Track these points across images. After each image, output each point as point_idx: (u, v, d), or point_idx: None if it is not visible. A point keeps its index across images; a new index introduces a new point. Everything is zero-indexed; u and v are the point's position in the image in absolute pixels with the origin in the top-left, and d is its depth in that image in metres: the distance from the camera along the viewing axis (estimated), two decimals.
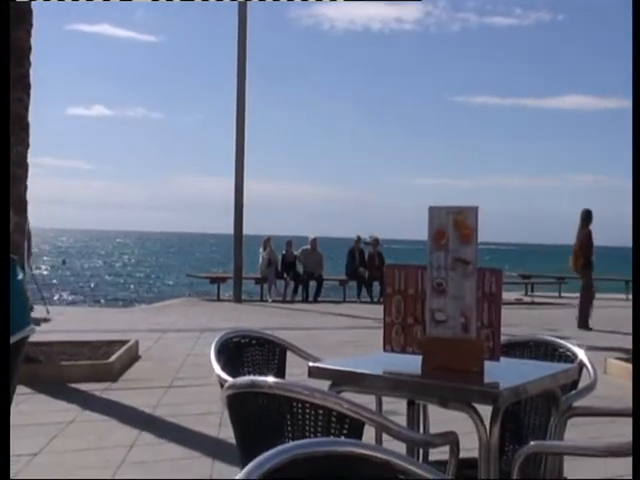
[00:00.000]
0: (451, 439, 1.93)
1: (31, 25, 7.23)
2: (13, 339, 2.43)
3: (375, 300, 16.36)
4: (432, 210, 2.41)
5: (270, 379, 1.90)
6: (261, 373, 2.73)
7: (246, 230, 15.93)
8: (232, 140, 15.77)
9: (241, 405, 1.97)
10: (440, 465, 2.29)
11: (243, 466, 1.05)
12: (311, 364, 2.38)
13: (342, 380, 2.27)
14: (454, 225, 2.37)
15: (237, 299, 15.41)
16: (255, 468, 1.01)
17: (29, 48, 7.19)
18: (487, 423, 2.12)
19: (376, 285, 16.75)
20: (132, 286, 33.48)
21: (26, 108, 7.10)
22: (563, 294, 19.46)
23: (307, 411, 1.82)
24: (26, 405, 5.41)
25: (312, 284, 16.65)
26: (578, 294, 12.24)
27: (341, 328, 11.36)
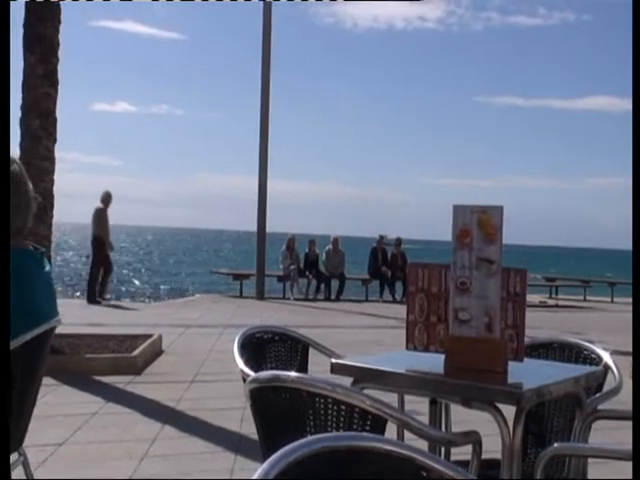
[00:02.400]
0: (474, 438, 1.92)
1: (59, 22, 7.32)
2: (41, 329, 2.46)
3: (398, 300, 16.34)
4: (457, 209, 2.40)
5: (293, 374, 1.91)
6: (283, 369, 2.73)
7: (269, 228, 15.97)
8: (255, 137, 15.84)
9: (264, 399, 1.98)
10: (462, 465, 2.28)
11: (265, 460, 1.06)
12: (334, 360, 2.39)
13: (364, 377, 2.27)
14: (478, 224, 2.35)
15: (260, 296, 15.45)
16: (279, 459, 1.02)
17: (57, 44, 7.28)
18: (510, 424, 2.11)
19: (399, 285, 16.73)
20: (140, 281, 33.21)
21: (54, 103, 7.19)
22: (588, 297, 19.26)
23: (330, 407, 1.82)
24: (51, 396, 5.48)
25: (334, 282, 16.65)
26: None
27: (363, 327, 11.34)
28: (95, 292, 13.06)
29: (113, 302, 13.75)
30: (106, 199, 13.11)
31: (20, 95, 7.09)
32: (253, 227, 16.07)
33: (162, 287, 30.69)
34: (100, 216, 12.99)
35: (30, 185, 2.54)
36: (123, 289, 28.35)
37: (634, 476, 1.50)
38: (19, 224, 2.50)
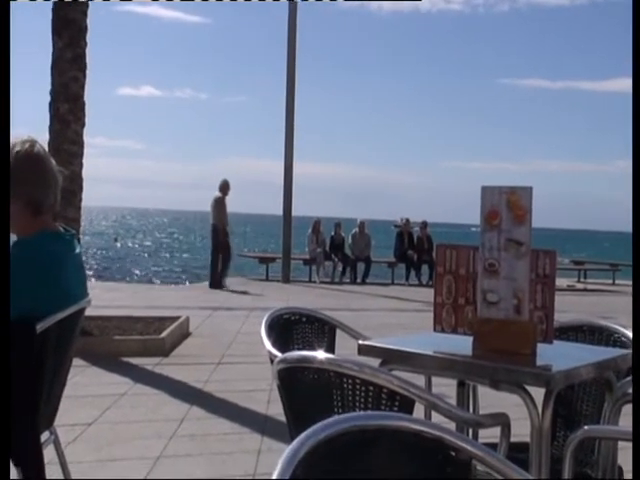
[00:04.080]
0: (502, 420, 1.91)
1: (87, 6, 7.35)
2: (71, 310, 2.49)
3: (423, 283, 16.31)
4: (485, 190, 2.37)
5: (321, 354, 1.91)
6: (311, 350, 2.74)
7: (295, 212, 15.99)
8: (280, 121, 15.83)
9: (292, 380, 1.98)
10: (489, 448, 2.27)
11: (292, 441, 1.06)
12: (361, 342, 2.38)
13: (392, 359, 2.26)
14: (507, 205, 2.33)
15: (285, 279, 15.51)
16: (309, 436, 1.02)
17: (85, 28, 7.32)
18: (539, 407, 2.09)
19: (425, 268, 16.69)
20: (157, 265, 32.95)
21: (82, 87, 7.24)
22: (617, 281, 19.03)
23: (357, 387, 1.82)
24: (81, 377, 5.56)
25: (360, 266, 16.65)
26: None
27: (389, 310, 11.34)
28: (218, 278, 13.52)
29: (233, 288, 13.80)
30: (224, 188, 13.57)
31: (49, 79, 7.14)
32: (279, 211, 16.10)
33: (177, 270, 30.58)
34: (219, 204, 13.44)
35: (53, 161, 2.58)
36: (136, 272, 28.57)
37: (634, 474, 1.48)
38: (51, 200, 2.54)
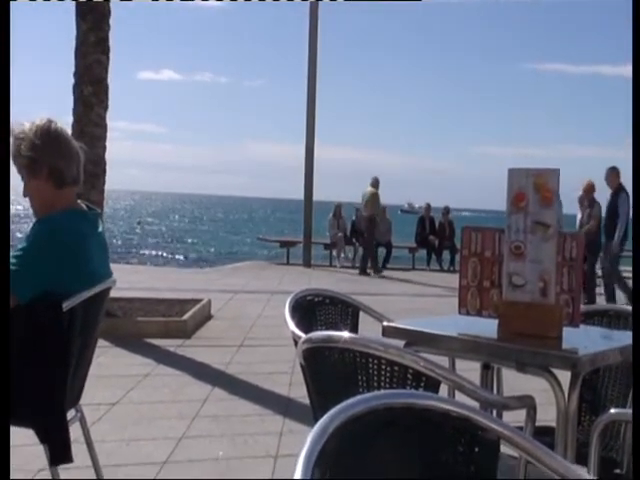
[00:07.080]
0: (528, 403, 1.90)
1: None
2: (97, 289, 2.51)
3: (445, 269, 16.26)
4: (512, 172, 2.35)
5: (346, 334, 1.90)
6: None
7: (315, 196, 15.96)
8: (301, 105, 15.80)
9: (316, 360, 1.98)
10: None
11: (316, 421, 1.06)
12: (385, 324, 2.38)
13: (416, 340, 2.26)
14: (534, 188, 2.31)
15: (306, 264, 15.52)
16: (338, 413, 1.02)
17: (109, 12, 7.33)
18: (565, 390, 2.08)
19: (446, 253, 16.64)
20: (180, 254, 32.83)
21: (105, 70, 7.26)
22: None
23: (383, 367, 1.82)
24: (105, 357, 5.62)
25: (381, 251, 16.62)
26: None
27: (410, 295, 11.31)
28: (366, 266, 14.50)
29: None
30: (376, 184, 14.65)
31: (73, 62, 7.17)
32: (300, 195, 16.09)
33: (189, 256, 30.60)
34: (375, 198, 14.48)
35: (73, 139, 2.61)
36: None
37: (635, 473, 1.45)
38: (74, 172, 2.56)
